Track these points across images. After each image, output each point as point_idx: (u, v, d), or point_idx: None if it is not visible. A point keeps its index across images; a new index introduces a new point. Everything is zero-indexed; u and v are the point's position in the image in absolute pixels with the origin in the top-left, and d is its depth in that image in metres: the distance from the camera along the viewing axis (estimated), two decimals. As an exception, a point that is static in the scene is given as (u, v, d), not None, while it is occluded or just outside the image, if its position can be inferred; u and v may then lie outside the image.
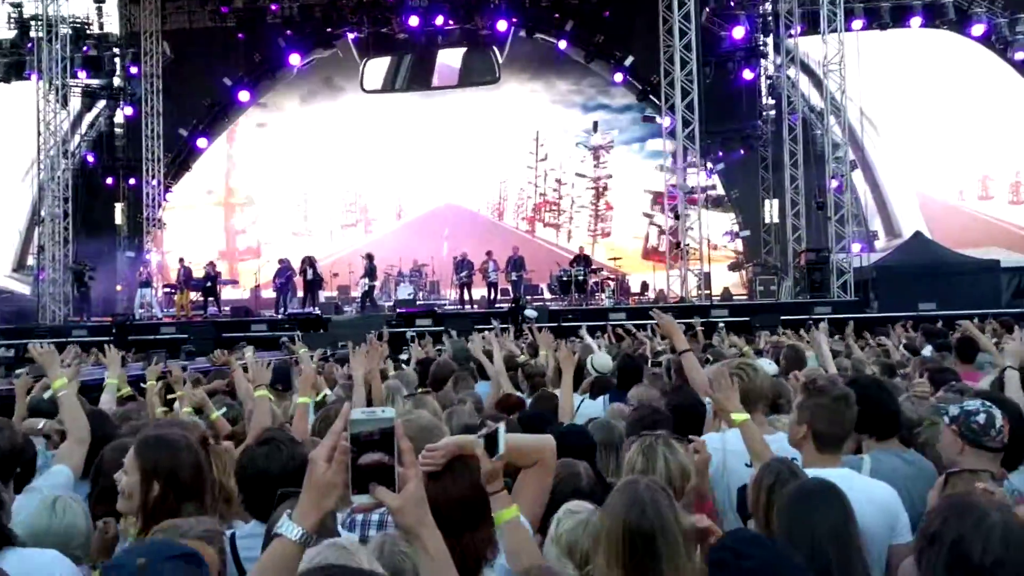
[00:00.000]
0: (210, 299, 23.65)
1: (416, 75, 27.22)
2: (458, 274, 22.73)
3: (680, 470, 3.13)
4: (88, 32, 25.51)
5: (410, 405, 4.95)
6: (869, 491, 3.17)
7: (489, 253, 22.71)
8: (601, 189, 27.02)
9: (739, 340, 11.11)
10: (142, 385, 6.69)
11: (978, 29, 23.73)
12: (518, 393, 6.39)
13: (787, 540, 2.53)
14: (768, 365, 6.76)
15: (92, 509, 3.34)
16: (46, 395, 4.94)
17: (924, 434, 3.88)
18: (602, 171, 27.01)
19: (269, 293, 24.35)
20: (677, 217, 21.20)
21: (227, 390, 6.66)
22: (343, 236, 27.96)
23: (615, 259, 24.91)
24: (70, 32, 24.03)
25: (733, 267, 24.51)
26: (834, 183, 20.99)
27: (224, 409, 5.28)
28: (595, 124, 26.92)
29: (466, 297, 22.80)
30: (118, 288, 25.18)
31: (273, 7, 25.56)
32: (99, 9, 26.31)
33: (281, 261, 23.90)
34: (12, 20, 25.45)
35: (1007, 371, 4.53)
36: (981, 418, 3.22)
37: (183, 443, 3.03)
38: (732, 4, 23.05)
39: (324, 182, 27.83)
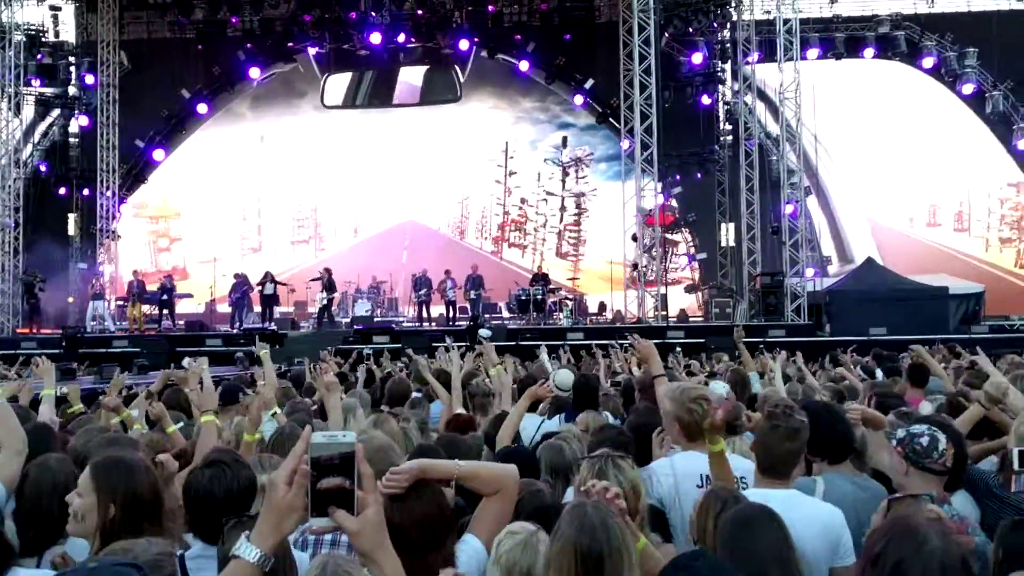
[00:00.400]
0: (164, 312, 23.31)
1: (377, 92, 27.20)
2: (416, 292, 22.70)
3: (631, 489, 3.16)
4: (43, 40, 25.08)
5: (368, 423, 4.94)
6: (812, 512, 3.25)
7: (448, 272, 22.70)
8: (579, 206, 26.92)
9: (694, 363, 11.24)
10: (101, 398, 6.56)
11: (928, 62, 24.41)
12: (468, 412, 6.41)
13: (729, 564, 2.58)
14: (722, 388, 6.86)
15: (18, 528, 3.25)
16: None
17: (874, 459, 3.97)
18: (583, 186, 26.96)
19: (224, 308, 24.07)
20: (635, 239, 21.41)
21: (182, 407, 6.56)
22: (299, 251, 27.75)
23: (573, 279, 25.07)
24: (24, 39, 23.62)
25: (689, 289, 24.77)
26: (789, 208, 21.38)
27: (181, 424, 5.21)
28: (564, 139, 26.97)
29: (424, 315, 22.76)
30: (70, 300, 24.70)
31: (233, 20, 25.41)
32: (55, 17, 25.89)
33: (237, 276, 23.68)
34: (-36, 26, 25.02)
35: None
36: (924, 440, 3.29)
37: (141, 465, 3.01)
38: (691, 30, 23.41)
39: (283, 197, 27.60)
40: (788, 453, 3.46)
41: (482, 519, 2.82)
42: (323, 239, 27.92)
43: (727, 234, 24.20)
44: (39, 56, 24.60)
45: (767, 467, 3.50)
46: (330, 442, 1.86)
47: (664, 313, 21.36)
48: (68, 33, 26.35)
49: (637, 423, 4.45)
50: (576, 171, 26.97)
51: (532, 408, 5.76)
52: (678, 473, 3.77)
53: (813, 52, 23.74)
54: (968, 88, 24.21)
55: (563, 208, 27.13)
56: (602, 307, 24.42)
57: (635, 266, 21.44)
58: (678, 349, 13.87)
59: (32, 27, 24.61)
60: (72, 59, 25.64)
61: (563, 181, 27.11)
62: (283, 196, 27.59)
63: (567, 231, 27.02)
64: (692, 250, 24.84)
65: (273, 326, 21.03)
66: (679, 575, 2.37)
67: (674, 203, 24.37)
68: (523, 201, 27.31)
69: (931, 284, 20.26)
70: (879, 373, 9.18)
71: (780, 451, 3.45)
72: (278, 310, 22.99)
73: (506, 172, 27.26)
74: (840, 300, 19.54)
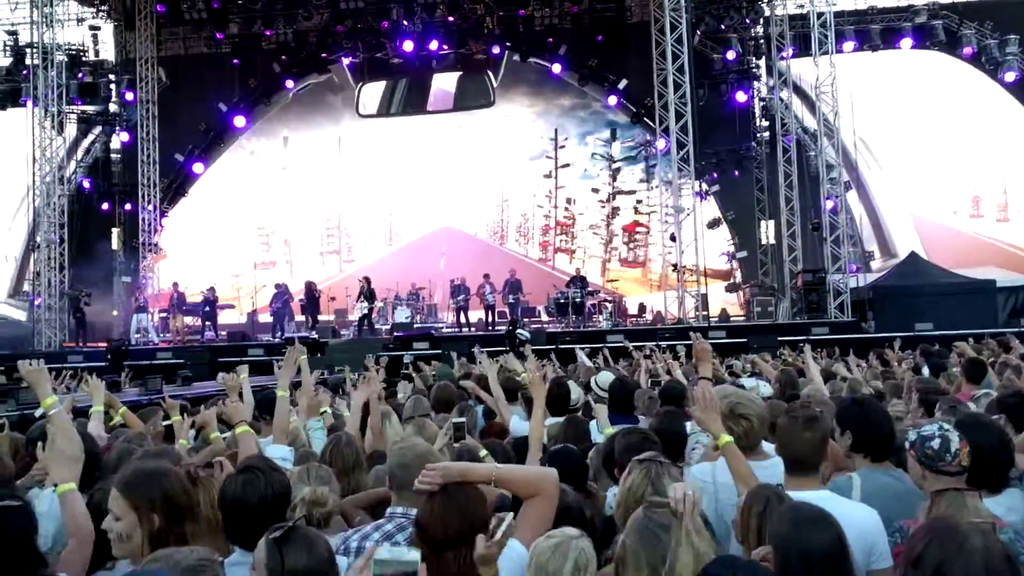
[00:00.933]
0: (207, 323, 23.66)
1: (411, 99, 27.35)
2: (455, 298, 22.79)
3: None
4: (83, 59, 25.62)
5: (411, 429, 4.94)
6: (848, 515, 3.14)
7: (486, 276, 22.73)
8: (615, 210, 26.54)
9: (736, 363, 11.08)
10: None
11: (968, 50, 23.95)
12: (514, 419, 6.39)
13: (782, 565, 2.52)
14: (764, 387, 6.78)
15: None
16: (36, 413, 4.87)
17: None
18: (622, 184, 26.65)
19: (266, 317, 24.33)
20: (673, 239, 21.26)
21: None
22: (338, 260, 27.96)
23: (612, 281, 24.96)
24: (65, 59, 24.12)
25: (730, 288, 24.54)
26: (829, 204, 21.09)
27: (228, 434, 5.25)
28: (613, 132, 26.60)
29: (463, 320, 22.81)
30: (114, 313, 25.13)
31: (268, 33, 25.72)
32: (95, 36, 26.43)
33: (278, 286, 23.99)
34: (7, 47, 25.61)
35: None
36: (936, 443, 3.18)
37: (164, 470, 3.04)
38: (723, 27, 23.23)
39: (321, 207, 27.85)
40: (809, 444, 3.42)
41: (524, 523, 2.83)
42: (360, 248, 28.05)
43: (767, 231, 23.95)
44: (80, 75, 25.12)
45: (792, 463, 3.47)
46: (394, 559, 1.84)
47: (705, 313, 21.16)
48: (107, 52, 26.88)
49: (659, 427, 4.40)
50: (616, 170, 26.70)
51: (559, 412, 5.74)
52: (718, 483, 3.71)
53: (849, 45, 23.42)
54: (1011, 76, 23.73)
55: (612, 205, 26.64)
56: (642, 308, 24.29)
57: (674, 266, 21.28)
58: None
59: (73, 47, 25.15)
60: (112, 77, 26.13)
61: (612, 176, 26.79)
62: (321, 206, 27.84)
63: (629, 234, 26.52)
64: (732, 248, 24.61)
65: (315, 335, 21.21)
66: None
67: (712, 201, 24.17)
68: (569, 201, 27.11)
69: (977, 277, 19.87)
70: (926, 370, 8.99)
71: (800, 443, 3.42)
72: (319, 318, 23.25)
73: (556, 164, 27.04)
74: (884, 296, 19.22)
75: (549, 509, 2.90)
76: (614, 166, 26.67)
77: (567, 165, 26.96)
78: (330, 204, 27.79)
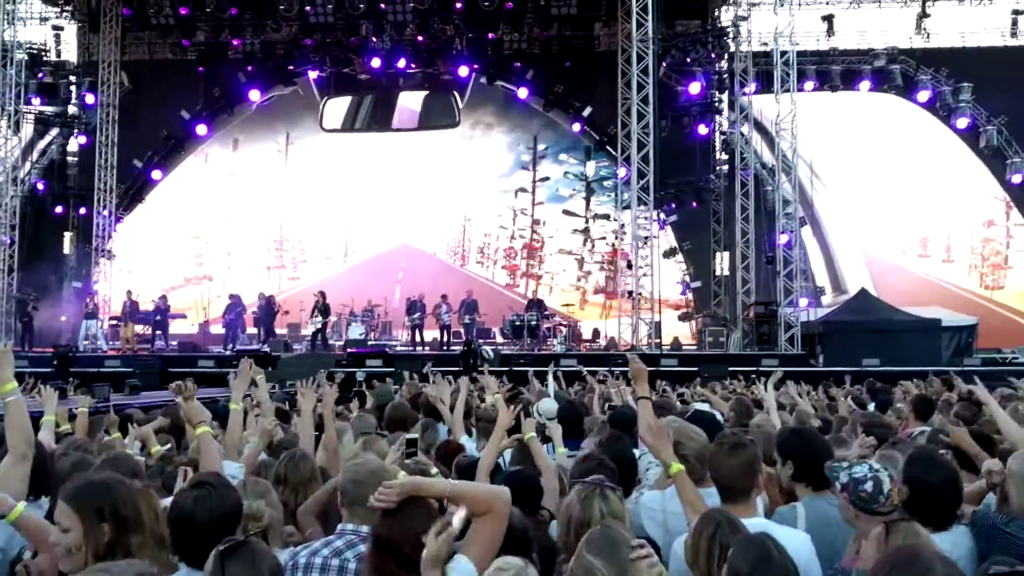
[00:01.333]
0: (158, 332, 23.30)
1: (376, 116, 27.35)
2: (410, 316, 22.73)
3: (615, 520, 3.18)
4: (44, 59, 25.23)
5: (359, 446, 4.94)
6: (783, 542, 3.21)
7: (444, 296, 22.73)
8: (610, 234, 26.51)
9: (686, 391, 11.21)
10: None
11: (923, 96, 24.66)
12: (462, 439, 6.40)
13: None
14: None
15: None
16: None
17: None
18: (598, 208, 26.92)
19: (218, 328, 24.05)
20: (630, 266, 21.46)
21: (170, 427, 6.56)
22: (294, 273, 27.76)
23: (567, 305, 25.10)
24: (26, 58, 23.73)
25: (683, 317, 24.80)
26: (784, 238, 21.46)
27: (168, 446, 5.22)
28: (588, 150, 26.75)
29: (417, 339, 22.76)
30: (63, 319, 24.62)
31: (235, 42, 25.56)
32: (57, 36, 26.09)
33: (232, 296, 23.74)
34: (-34, 44, 25.14)
35: None
36: (868, 486, 3.23)
37: (115, 480, 3.01)
38: (689, 60, 23.60)
39: (279, 219, 27.68)
40: (735, 469, 3.51)
41: (473, 540, 2.85)
42: (315, 263, 27.89)
43: (722, 263, 24.29)
44: (40, 75, 24.72)
45: (722, 489, 3.55)
46: None
47: (658, 340, 21.37)
48: (70, 53, 26.54)
49: (605, 453, 4.46)
50: (590, 194, 26.94)
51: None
52: (668, 511, 3.76)
53: (809, 84, 23.96)
54: (963, 122, 24.42)
55: (587, 232, 26.95)
56: (596, 334, 24.45)
57: (629, 294, 21.47)
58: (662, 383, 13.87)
59: (34, 46, 24.75)
60: (73, 78, 25.75)
61: (587, 200, 26.97)
62: (275, 218, 27.65)
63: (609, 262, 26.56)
64: (687, 278, 24.90)
65: (266, 348, 20.99)
66: None
67: (670, 231, 24.46)
68: (536, 223, 27.18)
69: (924, 316, 20.33)
70: (871, 405, 9.19)
71: (727, 468, 3.51)
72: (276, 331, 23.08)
73: (534, 176, 27.15)
74: (833, 330, 19.58)
75: (499, 527, 2.92)
76: (590, 186, 26.88)
77: (546, 179, 27.11)
78: (284, 216, 27.62)
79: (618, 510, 3.24)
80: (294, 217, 27.62)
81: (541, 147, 27.10)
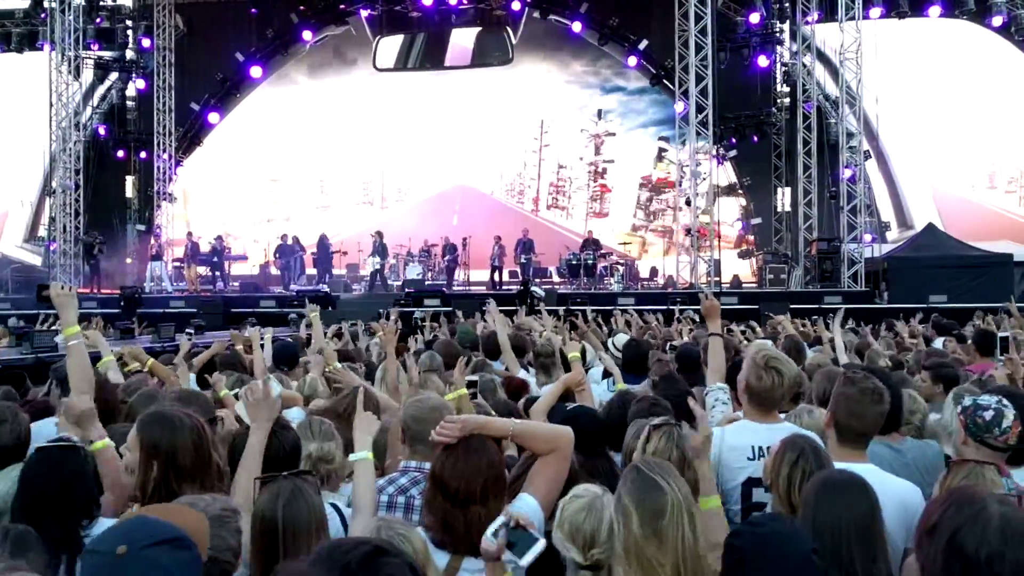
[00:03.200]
0: (218, 273, 23.75)
1: (429, 54, 27.10)
2: (444, 257, 22.89)
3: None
4: (101, 4, 25.41)
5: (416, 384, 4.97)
6: (892, 489, 3.11)
7: (497, 237, 22.73)
8: (598, 172, 26.82)
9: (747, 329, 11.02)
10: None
11: (997, 20, 23.49)
12: (521, 375, 6.41)
13: (811, 528, 2.53)
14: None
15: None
16: (57, 339, 4.92)
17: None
18: (601, 157, 26.84)
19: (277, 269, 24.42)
20: (688, 203, 21.13)
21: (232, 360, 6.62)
22: (352, 214, 27.91)
23: (625, 243, 24.87)
24: (83, 3, 23.92)
25: (743, 255, 24.43)
26: (847, 173, 20.88)
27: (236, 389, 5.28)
28: (599, 112, 26.70)
29: (457, 278, 22.99)
30: (128, 261, 25.24)
31: (287, -18, 25.43)
32: (113, -20, 26.24)
33: (282, 237, 24.07)
34: (26, -11, 25.43)
35: None
36: (988, 414, 3.13)
37: (185, 423, 2.98)
38: (749, -11, 22.84)
39: (335, 160, 27.78)
40: (876, 417, 3.37)
41: (537, 479, 2.85)
42: (383, 201, 28.04)
43: (783, 199, 23.78)
44: (98, 20, 24.94)
45: (851, 435, 3.36)
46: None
47: (717, 279, 21.10)
48: (125, -4, 26.66)
49: (663, 393, 4.40)
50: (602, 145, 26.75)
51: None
52: (725, 445, 3.66)
53: (876, 11, 22.97)
54: (1040, 47, 23.30)
55: (599, 173, 26.96)
56: (653, 272, 24.24)
57: (687, 231, 21.18)
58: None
59: (91, -9, 24.93)
60: (129, 23, 25.92)
61: (597, 149, 26.84)
62: (335, 159, 27.77)
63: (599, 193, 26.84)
64: (747, 215, 24.46)
65: (326, 288, 21.28)
66: (749, 536, 2.36)
67: (729, 167, 23.98)
68: (560, 167, 27.10)
69: (994, 251, 19.69)
70: (938, 342, 8.96)
71: (869, 416, 3.35)
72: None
73: (540, 143, 27.07)
74: (899, 267, 19.07)
75: (563, 466, 2.91)
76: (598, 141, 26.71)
77: (547, 145, 27.00)
78: (352, 157, 27.69)
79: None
80: (351, 158, 27.68)
81: (556, 115, 26.95)
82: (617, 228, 26.11)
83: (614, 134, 26.62)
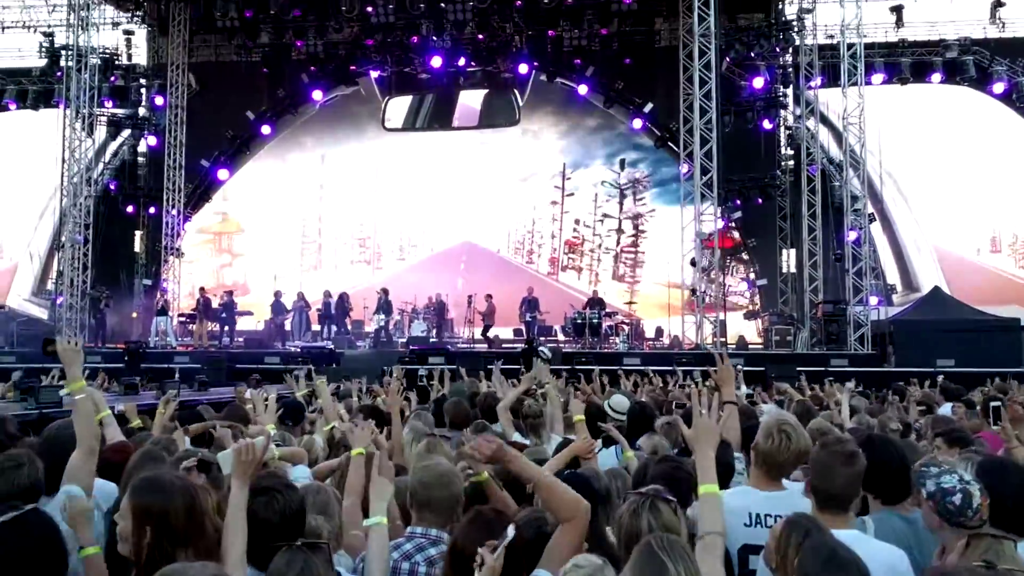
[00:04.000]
0: (225, 329, 23.78)
1: (437, 115, 27.47)
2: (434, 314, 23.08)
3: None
4: (116, 63, 25.90)
5: (422, 448, 4.90)
6: (878, 556, 3.08)
7: (488, 296, 22.80)
8: (636, 227, 26.74)
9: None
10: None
11: (999, 87, 23.84)
12: (517, 437, 6.32)
13: None
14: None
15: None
16: (61, 394, 4.92)
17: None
18: (641, 207, 26.83)
19: (287, 325, 24.44)
20: (694, 264, 21.18)
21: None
22: (355, 271, 28.05)
23: (630, 303, 24.88)
24: (99, 62, 24.37)
25: (749, 316, 24.42)
26: (852, 235, 20.97)
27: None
28: (621, 162, 26.84)
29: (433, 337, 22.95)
30: (133, 315, 25.28)
31: (298, 44, 25.90)
32: (128, 40, 26.77)
33: (275, 295, 24.28)
34: (44, 49, 25.93)
35: None
36: (957, 499, 3.10)
37: (176, 485, 2.94)
38: (752, 55, 23.21)
39: (343, 216, 28.02)
40: (847, 480, 3.33)
41: (556, 551, 2.80)
42: (381, 259, 28.19)
43: (788, 260, 23.84)
44: (112, 79, 25.37)
45: (826, 498, 3.35)
46: None
47: (723, 340, 21.05)
48: (140, 56, 27.18)
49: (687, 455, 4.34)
50: (634, 193, 26.81)
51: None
52: (724, 508, 3.63)
53: (878, 77, 23.35)
54: (1042, 113, 23.58)
55: (620, 231, 26.95)
56: (659, 332, 24.21)
57: (693, 291, 21.20)
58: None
59: (106, 51, 25.42)
60: (143, 81, 26.39)
61: (620, 203, 26.95)
62: (343, 216, 28.02)
63: (623, 253, 26.82)
64: (752, 276, 24.50)
65: (330, 344, 21.27)
66: None
67: (734, 228, 24.09)
68: (577, 222, 27.20)
69: (1001, 315, 19.65)
70: (946, 407, 8.86)
71: (839, 478, 3.32)
72: (334, 329, 23.38)
73: (563, 193, 27.22)
74: (906, 330, 19.02)
75: (579, 540, 2.87)
76: (623, 193, 26.85)
77: (571, 194, 26.97)
78: (360, 214, 27.92)
79: (670, 522, 3.07)
80: (358, 215, 27.92)
81: (586, 161, 27.08)
82: (653, 292, 26.01)
83: (644, 181, 26.64)
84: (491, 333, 22.78)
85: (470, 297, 22.98)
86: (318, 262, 28.19)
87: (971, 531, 3.05)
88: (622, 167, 26.88)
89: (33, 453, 3.72)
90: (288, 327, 24.05)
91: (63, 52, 24.78)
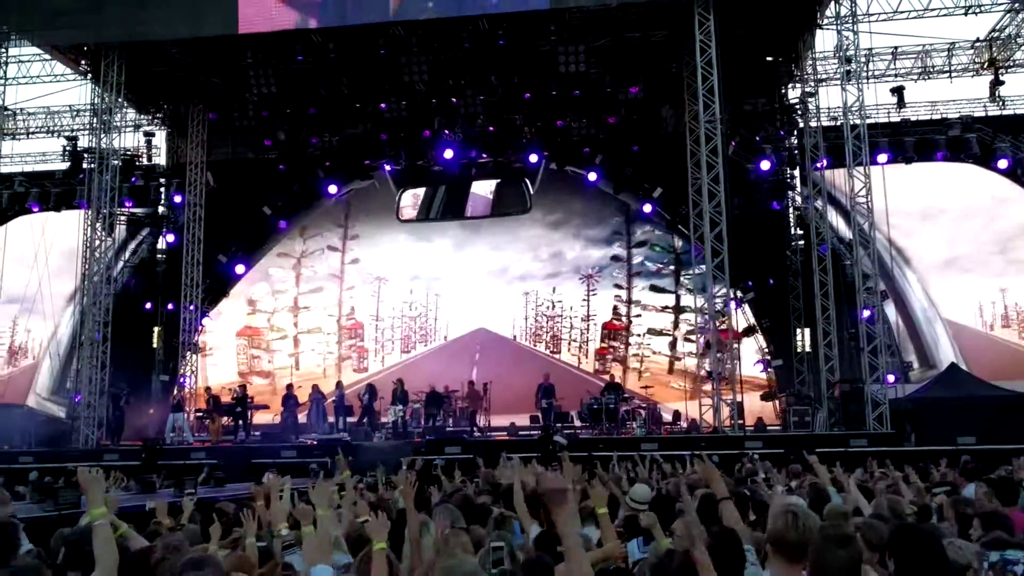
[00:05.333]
0: (239, 423, 23.73)
1: (450, 205, 27.93)
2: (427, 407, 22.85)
3: None
4: (137, 163, 26.60)
5: (440, 541, 4.91)
6: None
7: (484, 384, 22.82)
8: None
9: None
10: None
11: (1003, 163, 24.12)
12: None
13: None
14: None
15: None
16: (82, 521, 4.99)
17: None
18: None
19: (302, 417, 24.43)
20: (708, 347, 21.17)
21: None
22: (372, 360, 28.19)
23: (647, 387, 24.79)
24: (120, 164, 25.01)
25: (766, 396, 24.25)
26: (865, 313, 20.95)
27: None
28: (614, 256, 27.54)
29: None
30: (150, 412, 25.31)
31: (313, 140, 26.54)
32: (148, 142, 27.53)
33: (287, 387, 24.32)
34: (67, 152, 26.69)
35: None
36: (1019, 569, 3.13)
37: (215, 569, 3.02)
38: (758, 139, 23.63)
39: (360, 308, 28.31)
40: (842, 563, 3.31)
41: None
42: (392, 348, 28.36)
43: (803, 340, 23.78)
44: (133, 179, 26.04)
45: None
46: None
47: (741, 422, 20.88)
48: (159, 156, 27.91)
49: (714, 544, 4.34)
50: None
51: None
52: None
53: (883, 156, 23.65)
54: (1047, 187, 23.80)
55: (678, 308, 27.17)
56: (676, 416, 24.04)
57: (709, 374, 21.13)
58: (755, 455, 13.54)
59: (128, 152, 26.14)
60: (162, 180, 27.04)
61: (676, 273, 27.41)
62: (360, 307, 28.30)
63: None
64: (767, 357, 24.43)
65: (346, 436, 21.22)
66: None
67: (747, 309, 24.15)
68: (616, 310, 27.52)
69: (1019, 390, 19.47)
70: (969, 488, 8.75)
71: (837, 562, 3.30)
72: (350, 420, 23.32)
73: (588, 296, 27.49)
74: (924, 408, 18.86)
75: None
76: (679, 259, 27.28)
77: (594, 292, 27.21)
78: (361, 305, 28.21)
79: None
80: (370, 304, 28.20)
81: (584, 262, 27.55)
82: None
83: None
84: (507, 420, 22.73)
85: (486, 385, 22.98)
86: (335, 354, 28.32)
87: None
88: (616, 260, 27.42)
89: (44, 568, 3.82)
90: (303, 419, 24.02)
91: (85, 155, 25.49)
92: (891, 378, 20.89)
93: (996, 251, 24.28)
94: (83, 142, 26.29)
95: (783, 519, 3.72)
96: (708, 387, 21.06)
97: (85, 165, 25.24)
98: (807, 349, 23.57)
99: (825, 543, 3.37)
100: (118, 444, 22.07)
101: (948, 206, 24.61)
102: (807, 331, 23.51)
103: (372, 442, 21.41)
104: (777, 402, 23.80)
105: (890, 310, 23.30)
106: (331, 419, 23.63)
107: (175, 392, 24.60)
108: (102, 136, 23.97)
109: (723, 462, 14.29)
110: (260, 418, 25.00)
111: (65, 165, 26.84)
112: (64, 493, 9.55)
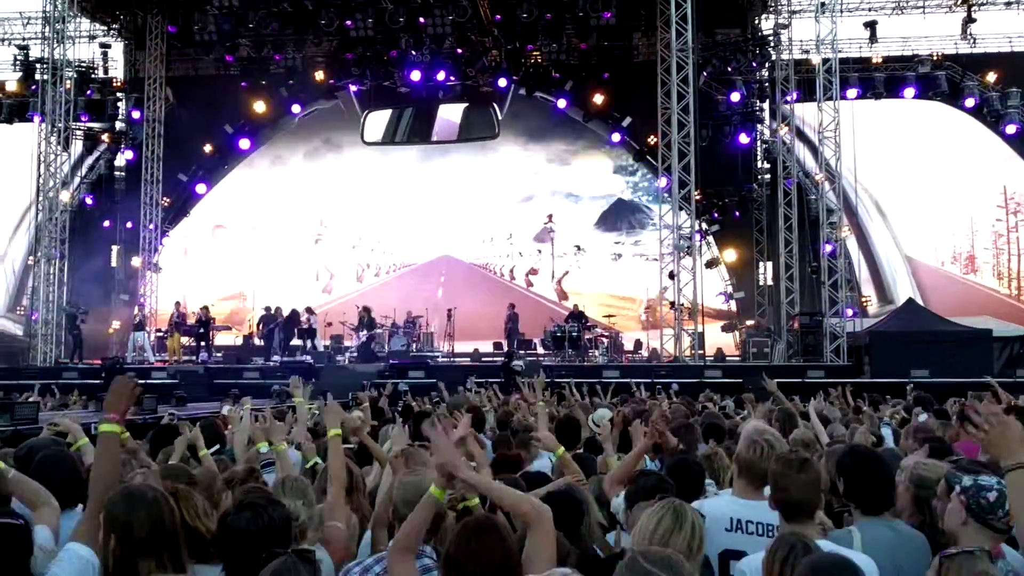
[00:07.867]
0: (202, 344, 23.54)
1: (416, 128, 27.50)
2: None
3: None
4: (92, 76, 25.73)
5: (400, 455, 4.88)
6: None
7: (450, 310, 22.86)
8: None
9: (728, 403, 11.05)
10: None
11: (970, 102, 24.22)
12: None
13: None
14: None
15: None
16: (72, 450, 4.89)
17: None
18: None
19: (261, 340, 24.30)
20: (672, 277, 21.29)
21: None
22: (337, 284, 27.99)
23: (609, 316, 24.97)
24: (75, 76, 24.21)
25: (727, 328, 24.55)
26: (828, 248, 21.18)
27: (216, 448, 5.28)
28: (550, 216, 27.51)
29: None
30: (110, 331, 25.04)
31: (276, 57, 25.81)
32: (104, 54, 26.61)
33: (266, 309, 24.03)
34: (18, 62, 25.71)
35: None
36: (992, 495, 3.14)
37: (146, 496, 2.97)
38: (729, 70, 23.44)
39: (323, 231, 27.97)
40: (803, 487, 3.44)
41: (531, 558, 2.85)
42: (362, 273, 28.17)
43: (765, 273, 24.03)
44: (88, 92, 25.20)
45: (788, 507, 3.48)
46: None
47: (701, 352, 21.16)
48: (117, 70, 27.05)
49: (672, 465, 4.41)
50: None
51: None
52: (707, 515, 3.68)
53: (852, 92, 23.63)
54: (1011, 128, 23.99)
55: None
56: (638, 345, 24.30)
57: (672, 304, 21.31)
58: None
59: (82, 64, 25.25)
60: (120, 95, 26.23)
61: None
62: (323, 231, 27.96)
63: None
64: (729, 289, 24.67)
65: (309, 359, 21.19)
66: None
67: (711, 241, 24.27)
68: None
69: (974, 326, 19.91)
70: (922, 418, 8.95)
71: (796, 486, 3.44)
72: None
73: (552, 241, 27.52)
74: (881, 341, 19.22)
75: (549, 542, 2.93)
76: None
77: (553, 230, 27.16)
78: (340, 228, 27.89)
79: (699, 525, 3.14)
80: (336, 229, 27.89)
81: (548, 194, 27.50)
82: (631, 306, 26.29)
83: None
84: (471, 347, 22.86)
85: (449, 311, 22.98)
86: (297, 276, 28.04)
87: (996, 533, 3.11)
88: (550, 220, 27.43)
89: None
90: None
91: (38, 65, 24.59)
92: (849, 312, 21.25)
93: (959, 190, 24.53)
94: (35, 52, 25.30)
95: (756, 447, 3.87)
96: (670, 316, 21.23)
97: (38, 76, 24.37)
98: (769, 283, 23.83)
99: (786, 467, 3.50)
100: (78, 363, 21.82)
101: (915, 144, 24.74)
102: (769, 264, 23.75)
103: (335, 364, 21.42)
104: (737, 333, 24.12)
105: (851, 245, 23.57)
106: (297, 341, 23.49)
107: (136, 312, 24.28)
108: (55, 46, 23.13)
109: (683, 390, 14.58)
110: (223, 339, 24.84)
111: (17, 75, 25.88)
112: (20, 408, 9.43)
